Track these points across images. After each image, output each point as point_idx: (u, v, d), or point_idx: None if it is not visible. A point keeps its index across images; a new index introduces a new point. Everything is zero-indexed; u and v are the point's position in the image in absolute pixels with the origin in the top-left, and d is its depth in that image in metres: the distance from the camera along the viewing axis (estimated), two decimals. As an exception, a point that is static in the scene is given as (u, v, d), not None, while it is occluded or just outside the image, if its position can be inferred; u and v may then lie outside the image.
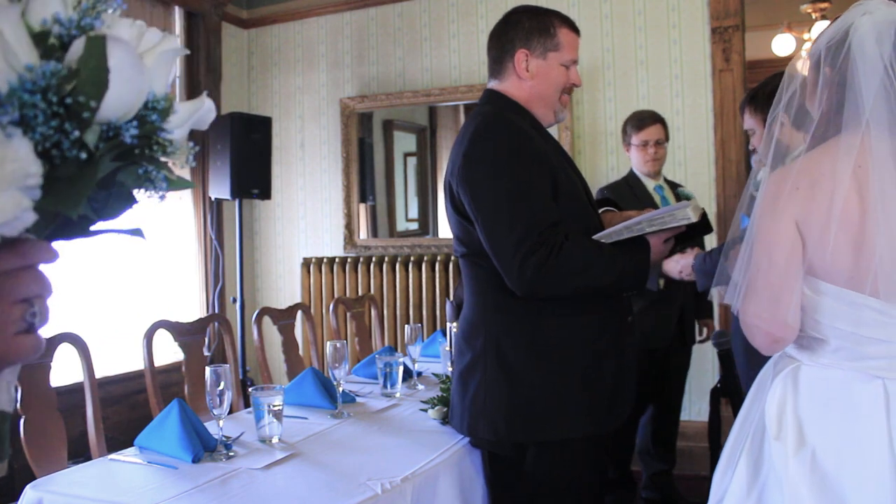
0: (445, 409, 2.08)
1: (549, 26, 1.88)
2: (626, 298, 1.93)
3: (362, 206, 4.89)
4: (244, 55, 5.16)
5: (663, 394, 3.19)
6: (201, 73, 4.64)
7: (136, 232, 0.63)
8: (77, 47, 0.54)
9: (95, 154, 0.55)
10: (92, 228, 0.61)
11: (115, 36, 0.54)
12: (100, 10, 0.58)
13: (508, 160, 1.75)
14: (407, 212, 5.02)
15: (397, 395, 2.41)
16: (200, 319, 2.71)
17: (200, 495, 1.54)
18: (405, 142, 5.06)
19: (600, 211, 2.00)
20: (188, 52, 0.64)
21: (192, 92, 4.62)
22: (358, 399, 2.37)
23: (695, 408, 3.93)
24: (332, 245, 4.93)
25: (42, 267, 0.58)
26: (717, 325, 3.81)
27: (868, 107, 1.28)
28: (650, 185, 3.19)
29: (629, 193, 3.07)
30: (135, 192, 0.62)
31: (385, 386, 2.43)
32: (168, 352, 3.33)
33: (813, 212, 1.31)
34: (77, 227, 0.60)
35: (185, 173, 4.52)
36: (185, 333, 2.56)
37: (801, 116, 1.39)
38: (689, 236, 1.90)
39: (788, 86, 1.42)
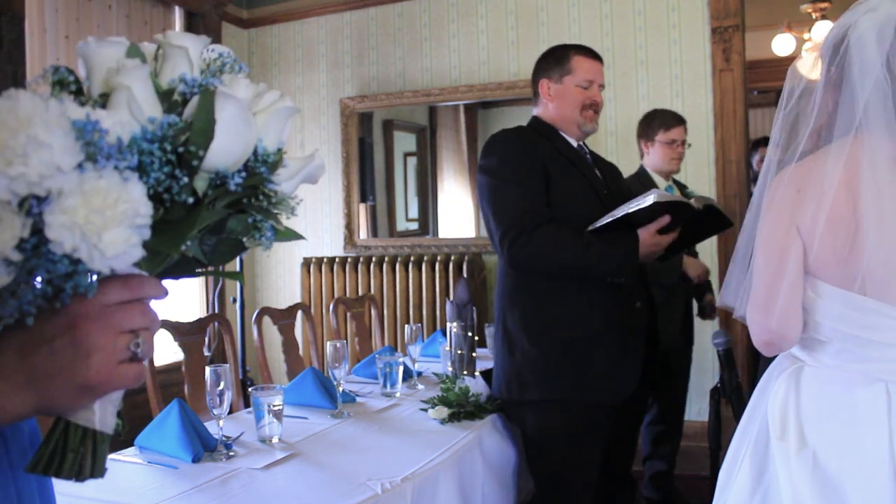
0: (446, 409, 2.09)
1: (564, 56, 2.25)
2: (636, 285, 2.19)
3: (362, 206, 4.89)
4: (244, 55, 5.16)
5: (667, 394, 3.18)
6: (201, 73, 4.63)
7: (237, 276, 0.69)
8: (193, 102, 0.60)
9: (204, 199, 0.60)
10: (198, 270, 0.66)
11: (226, 92, 0.60)
12: (220, 71, 0.65)
13: (503, 163, 2.12)
14: (407, 212, 5.02)
15: (397, 395, 2.41)
16: (200, 319, 2.71)
17: (200, 495, 1.54)
18: (405, 142, 5.06)
19: None
20: (299, 110, 0.70)
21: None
22: (358, 399, 2.37)
23: (695, 408, 3.93)
24: (332, 245, 4.93)
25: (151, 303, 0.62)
26: (716, 326, 3.81)
27: (861, 106, 1.27)
28: (662, 184, 3.17)
29: (640, 191, 3.04)
30: (244, 239, 0.66)
31: (385, 386, 2.43)
32: (168, 352, 3.33)
33: (810, 214, 1.30)
34: (186, 268, 0.64)
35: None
36: (185, 333, 2.56)
37: (805, 118, 1.38)
38: (704, 231, 2.08)
39: (796, 85, 1.40)
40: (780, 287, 1.33)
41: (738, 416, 1.88)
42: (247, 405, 2.26)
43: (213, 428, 1.85)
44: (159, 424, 1.84)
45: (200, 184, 0.60)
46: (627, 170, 3.31)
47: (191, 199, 0.58)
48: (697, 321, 3.35)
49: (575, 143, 2.26)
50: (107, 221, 0.53)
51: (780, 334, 1.35)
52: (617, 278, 2.11)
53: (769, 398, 1.38)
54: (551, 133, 2.23)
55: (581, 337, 2.09)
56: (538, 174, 2.09)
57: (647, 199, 1.94)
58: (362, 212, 4.90)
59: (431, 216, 4.89)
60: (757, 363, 1.73)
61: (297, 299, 4.81)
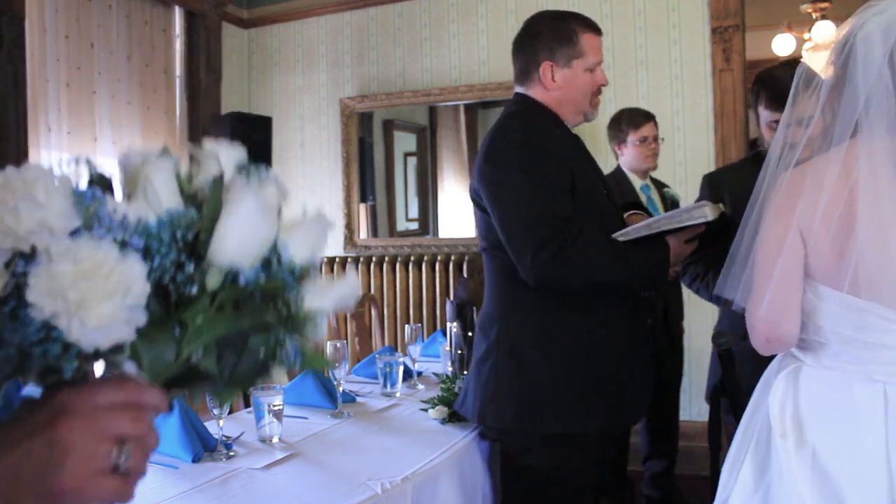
0: (446, 409, 2.09)
1: (571, 34, 1.90)
2: (647, 300, 1.96)
3: (362, 206, 4.90)
4: (244, 55, 5.16)
5: (658, 393, 3.16)
6: (201, 73, 4.64)
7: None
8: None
9: (214, 297, 0.57)
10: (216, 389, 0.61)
11: (241, 181, 0.60)
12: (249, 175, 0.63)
13: (524, 156, 1.79)
14: (407, 212, 5.02)
15: (397, 394, 2.41)
16: (200, 319, 2.70)
17: (200, 495, 1.54)
18: (405, 142, 5.06)
19: (627, 214, 2.00)
20: (332, 227, 0.71)
21: (192, 92, 4.63)
22: (358, 399, 2.37)
23: (695, 408, 3.93)
24: (332, 245, 4.93)
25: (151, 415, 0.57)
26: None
27: (862, 101, 1.27)
28: (637, 183, 3.18)
29: (616, 190, 3.02)
30: (268, 362, 0.62)
31: (385, 386, 2.43)
32: (168, 352, 3.32)
33: (809, 215, 1.31)
34: (198, 382, 0.60)
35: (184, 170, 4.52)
36: (185, 333, 2.55)
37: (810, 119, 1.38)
38: (713, 238, 1.90)
39: (805, 85, 1.40)
40: (779, 288, 1.33)
41: (737, 416, 1.87)
42: (247, 405, 2.26)
43: (213, 428, 1.85)
44: (159, 424, 1.84)
45: (213, 280, 0.57)
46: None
47: (194, 289, 0.56)
48: (694, 323, 3.34)
49: (572, 130, 1.99)
50: (95, 290, 0.50)
51: (771, 323, 1.35)
52: (648, 292, 1.90)
53: (769, 397, 1.39)
54: (555, 119, 1.92)
55: (602, 359, 1.83)
56: (563, 169, 1.80)
57: (703, 215, 1.70)
58: (362, 212, 4.90)
59: (431, 216, 4.89)
60: (755, 364, 1.72)
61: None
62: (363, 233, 4.89)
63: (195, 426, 1.82)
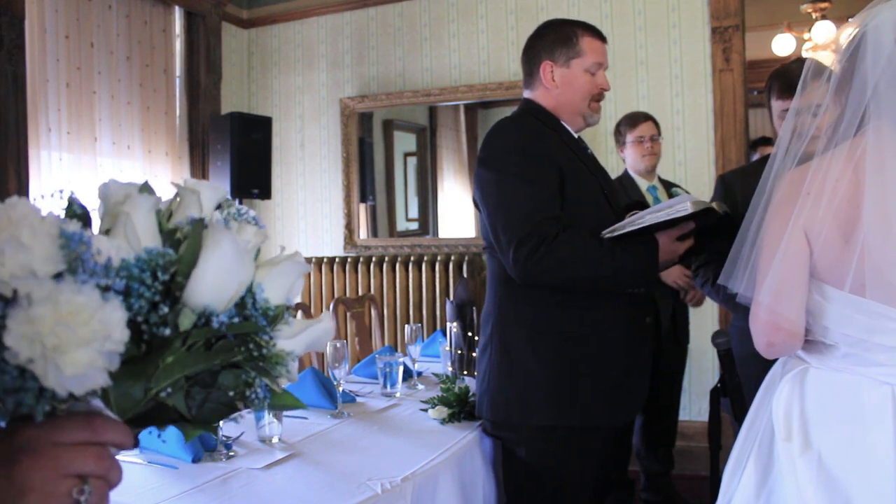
0: (446, 409, 2.09)
1: (572, 35, 1.96)
2: (647, 299, 1.99)
3: (362, 206, 4.90)
4: (244, 55, 5.16)
5: (657, 395, 3.17)
6: (201, 73, 4.64)
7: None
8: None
9: (186, 338, 0.56)
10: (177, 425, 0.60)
11: (220, 226, 0.59)
12: (231, 217, 0.66)
13: (512, 157, 1.86)
14: (407, 212, 5.02)
15: (397, 395, 2.41)
16: (200, 319, 2.70)
17: (200, 495, 1.54)
18: (405, 142, 5.06)
19: (629, 214, 2.00)
20: (310, 268, 0.80)
21: (191, 92, 4.62)
22: (358, 399, 2.37)
23: (695, 408, 3.93)
24: (332, 245, 4.93)
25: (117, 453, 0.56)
26: (716, 325, 3.81)
27: (871, 87, 1.25)
28: (643, 185, 3.21)
29: (622, 194, 3.05)
30: (236, 400, 0.61)
31: (385, 386, 2.43)
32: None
33: (811, 214, 1.30)
34: (164, 419, 0.59)
35: (184, 170, 4.52)
36: (185, 333, 2.55)
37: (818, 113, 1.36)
38: (716, 236, 1.90)
39: (815, 74, 1.38)
40: (783, 290, 1.31)
41: (737, 415, 1.87)
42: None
43: (212, 428, 1.85)
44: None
45: (185, 321, 0.57)
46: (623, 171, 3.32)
47: (167, 331, 0.55)
48: (693, 322, 3.34)
49: (575, 135, 2.02)
50: (73, 337, 0.49)
51: (779, 336, 1.34)
52: (637, 289, 1.91)
53: (773, 399, 1.38)
54: (554, 123, 1.97)
55: (593, 355, 1.85)
56: (552, 171, 1.84)
57: (684, 208, 1.70)
58: (362, 212, 4.90)
59: (431, 216, 4.89)
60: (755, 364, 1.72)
61: (297, 299, 4.81)
62: (363, 233, 4.89)
63: (195, 426, 1.81)
